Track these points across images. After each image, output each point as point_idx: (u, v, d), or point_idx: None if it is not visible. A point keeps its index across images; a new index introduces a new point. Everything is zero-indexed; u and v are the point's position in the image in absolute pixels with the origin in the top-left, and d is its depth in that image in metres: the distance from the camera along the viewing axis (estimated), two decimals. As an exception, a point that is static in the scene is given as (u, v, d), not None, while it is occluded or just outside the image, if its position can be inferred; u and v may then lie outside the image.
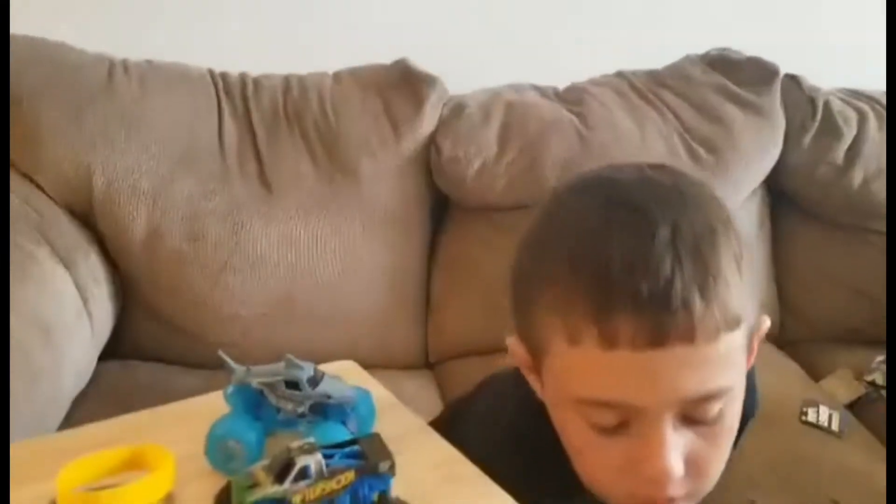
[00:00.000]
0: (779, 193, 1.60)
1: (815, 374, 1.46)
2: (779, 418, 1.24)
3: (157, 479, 0.44)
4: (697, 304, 0.52)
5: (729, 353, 0.55)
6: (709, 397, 0.56)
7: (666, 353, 0.53)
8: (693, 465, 0.57)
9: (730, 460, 1.09)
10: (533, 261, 0.60)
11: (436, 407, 1.26)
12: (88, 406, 1.21)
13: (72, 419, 1.15)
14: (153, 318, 1.39)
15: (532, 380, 0.64)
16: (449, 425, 0.71)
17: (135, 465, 0.46)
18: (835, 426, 1.24)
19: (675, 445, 0.56)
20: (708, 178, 1.46)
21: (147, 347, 1.40)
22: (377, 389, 0.69)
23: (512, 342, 0.64)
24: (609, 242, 0.55)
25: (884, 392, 1.39)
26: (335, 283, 1.41)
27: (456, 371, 1.45)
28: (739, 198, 1.52)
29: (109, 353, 1.34)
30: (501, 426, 0.69)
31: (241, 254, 1.37)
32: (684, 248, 0.53)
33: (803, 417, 1.25)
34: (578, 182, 0.63)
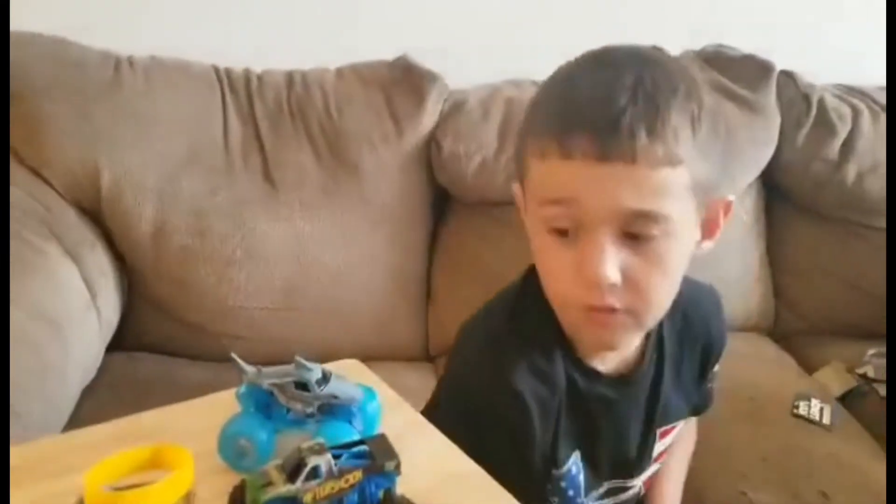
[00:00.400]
0: (774, 188, 1.63)
1: (809, 366, 1.49)
2: (771, 411, 1.27)
3: (178, 479, 0.46)
4: (642, 136, 0.63)
5: (668, 186, 0.65)
6: (644, 215, 0.65)
7: (610, 168, 0.64)
8: (631, 280, 0.67)
9: (721, 452, 1.15)
10: (527, 110, 0.72)
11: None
12: (97, 397, 1.24)
13: (81, 410, 1.18)
14: (159, 310, 1.42)
15: (524, 220, 0.76)
16: (458, 338, 0.81)
17: (156, 464, 0.49)
18: (826, 419, 1.27)
19: (612, 255, 0.66)
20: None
21: (153, 340, 1.42)
22: (381, 388, 0.71)
23: (515, 187, 0.76)
24: (578, 82, 0.68)
25: (875, 385, 1.42)
26: (338, 276, 1.44)
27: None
28: (735, 192, 1.54)
29: (116, 345, 1.37)
30: (501, 311, 0.79)
31: (246, 248, 1.39)
32: (642, 93, 0.64)
33: (795, 410, 1.28)
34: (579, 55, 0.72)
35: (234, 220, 1.40)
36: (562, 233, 0.68)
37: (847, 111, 1.61)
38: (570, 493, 0.80)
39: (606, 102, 0.64)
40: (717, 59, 1.62)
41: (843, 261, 1.63)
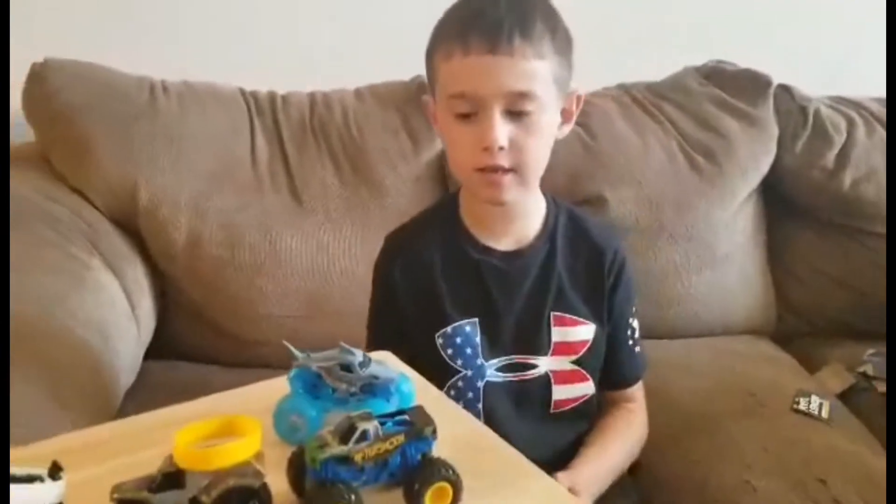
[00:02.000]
0: (774, 196, 1.70)
1: (810, 366, 1.55)
2: (772, 407, 1.33)
3: (250, 441, 0.55)
4: (517, 37, 0.88)
5: (537, 73, 0.90)
6: (522, 94, 0.90)
7: (497, 59, 0.88)
8: (514, 144, 0.91)
9: (724, 444, 1.23)
10: (431, 36, 0.95)
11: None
12: (137, 400, 1.31)
13: (124, 411, 1.26)
14: (193, 320, 1.51)
15: (434, 127, 1.02)
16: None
17: (230, 431, 0.57)
18: (825, 414, 1.33)
19: (501, 127, 0.90)
20: (707, 185, 1.59)
21: (187, 348, 1.51)
22: (409, 373, 0.80)
23: (425, 98, 1.03)
24: (470, 4, 0.93)
25: (874, 382, 1.48)
26: (360, 285, 1.50)
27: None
28: (736, 201, 1.62)
29: (153, 353, 1.45)
30: (421, 215, 1.12)
31: (274, 259, 1.48)
32: (517, 8, 0.90)
33: (795, 406, 1.34)
34: None
35: (262, 233, 1.48)
36: (464, 117, 0.92)
37: (842, 121, 1.68)
38: (468, 350, 1.02)
39: (493, 14, 0.89)
40: (717, 75, 1.71)
41: (843, 264, 1.69)
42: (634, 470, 1.15)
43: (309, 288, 1.49)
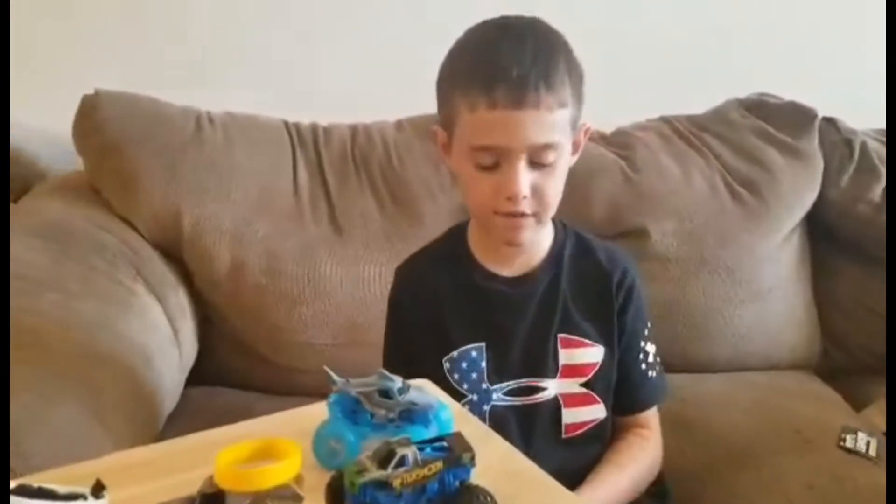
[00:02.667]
0: (819, 230, 1.67)
1: (857, 403, 1.51)
2: (818, 444, 1.30)
3: (290, 463, 0.55)
4: (543, 89, 0.89)
5: (559, 123, 0.92)
6: (546, 146, 0.92)
7: (522, 114, 0.89)
8: (536, 192, 0.94)
9: (768, 480, 1.20)
10: (450, 69, 0.96)
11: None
12: (178, 425, 1.33)
13: (166, 435, 1.28)
14: (234, 346, 1.52)
15: (445, 158, 1.03)
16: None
17: (269, 454, 0.58)
18: (872, 452, 1.29)
19: (525, 177, 0.92)
20: (750, 218, 1.57)
21: (228, 375, 1.52)
22: (449, 402, 0.80)
23: (436, 129, 1.02)
24: (494, 48, 0.91)
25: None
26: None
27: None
28: (780, 235, 1.60)
29: (194, 380, 1.47)
30: (430, 245, 1.14)
31: (314, 288, 1.49)
32: (540, 57, 0.90)
33: (842, 443, 1.30)
34: (478, 23, 0.97)
35: (302, 263, 1.50)
36: (487, 168, 0.93)
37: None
38: (474, 375, 1.03)
39: (520, 66, 0.88)
40: (760, 107, 1.69)
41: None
42: (665, 500, 1.13)
43: (348, 317, 1.49)
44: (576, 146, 1.01)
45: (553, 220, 1.06)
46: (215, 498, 0.54)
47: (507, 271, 1.05)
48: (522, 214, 0.95)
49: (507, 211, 0.95)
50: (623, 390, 1.07)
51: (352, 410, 0.70)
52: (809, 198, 1.62)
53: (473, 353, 1.03)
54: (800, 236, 1.66)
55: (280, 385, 1.48)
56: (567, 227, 1.10)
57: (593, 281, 1.06)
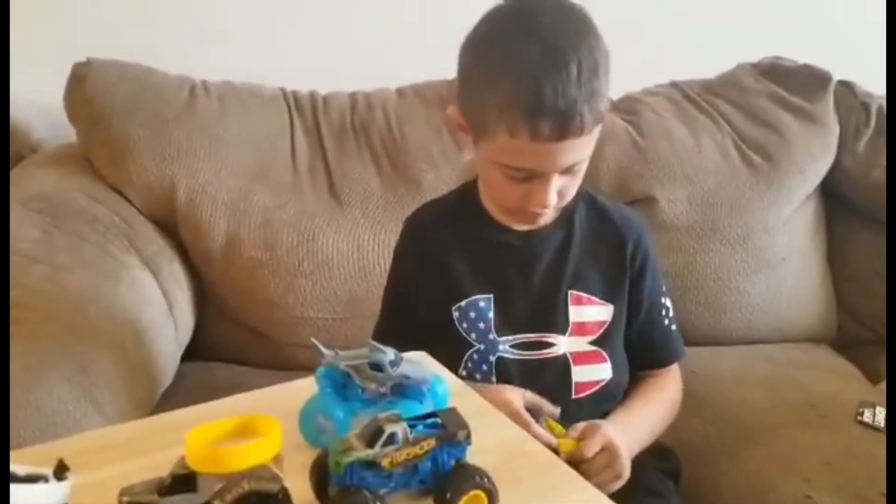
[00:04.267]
0: (834, 197, 1.62)
1: (874, 376, 1.47)
2: (835, 418, 1.26)
3: (268, 442, 0.51)
4: (587, 115, 0.86)
5: (594, 136, 0.91)
6: (580, 161, 0.92)
7: (566, 143, 0.87)
8: (562, 193, 0.94)
9: (784, 456, 1.16)
10: (485, 78, 0.91)
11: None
12: (173, 401, 1.29)
13: (160, 412, 1.24)
14: (230, 321, 1.48)
15: (461, 136, 1.07)
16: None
17: (247, 432, 0.53)
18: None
19: (555, 188, 0.92)
20: (763, 184, 1.51)
21: (224, 349, 1.48)
22: (446, 375, 0.75)
23: (453, 110, 1.00)
24: (541, 80, 0.85)
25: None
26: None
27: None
28: (794, 202, 1.55)
29: (190, 355, 1.43)
30: (440, 198, 1.15)
31: (312, 260, 1.45)
32: (583, 80, 0.86)
33: (859, 418, 1.26)
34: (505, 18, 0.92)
35: (300, 234, 1.45)
36: (516, 179, 0.92)
37: (906, 119, 1.59)
38: (481, 325, 1.01)
39: (564, 97, 0.85)
40: (774, 72, 1.63)
41: (907, 269, 1.60)
42: (677, 478, 1.09)
43: (347, 289, 1.45)
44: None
45: None
46: (186, 480, 0.50)
47: (518, 226, 1.03)
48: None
49: (533, 213, 0.96)
50: (650, 346, 1.08)
51: (341, 385, 0.66)
52: (824, 164, 1.57)
53: (481, 304, 1.02)
54: (814, 204, 1.60)
55: (279, 361, 1.45)
56: (580, 187, 1.04)
57: (606, 242, 1.05)
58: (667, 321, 1.09)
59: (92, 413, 1.03)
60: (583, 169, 0.95)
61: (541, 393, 0.99)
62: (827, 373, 1.44)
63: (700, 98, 1.61)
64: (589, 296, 1.03)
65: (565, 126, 0.86)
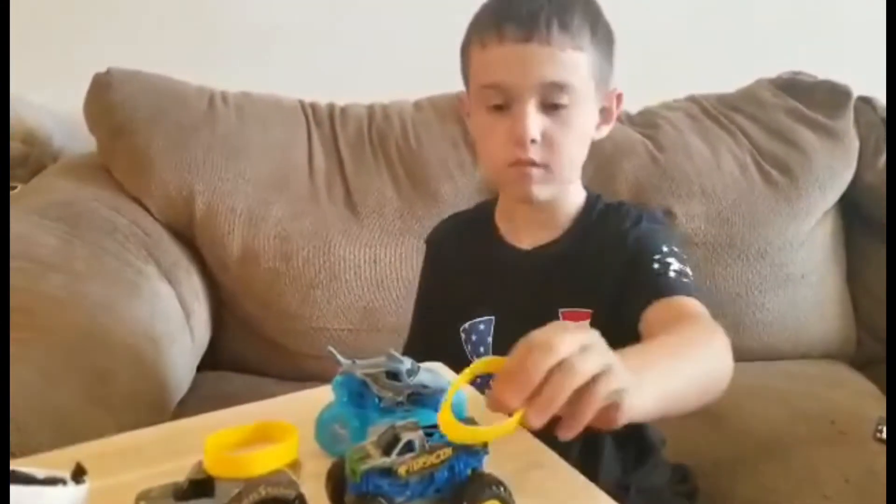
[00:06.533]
0: (854, 213, 1.61)
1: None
2: (855, 435, 1.24)
3: (285, 448, 0.51)
4: (555, 26, 0.86)
5: (573, 64, 0.87)
6: (557, 85, 0.87)
7: (531, 48, 0.86)
8: (547, 139, 0.88)
9: (802, 473, 1.11)
10: (470, 24, 0.93)
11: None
12: (189, 410, 1.29)
13: (175, 420, 1.24)
14: (247, 331, 1.49)
15: (468, 123, 1.01)
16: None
17: (264, 437, 0.53)
18: (911, 444, 1.23)
19: (534, 120, 0.87)
20: (782, 200, 1.50)
21: (241, 360, 1.49)
22: (463, 385, 0.75)
23: (461, 95, 0.99)
24: None
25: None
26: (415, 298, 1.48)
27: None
28: (813, 218, 1.54)
29: (206, 364, 1.44)
30: (459, 213, 1.15)
31: (329, 272, 1.45)
32: (556, 1, 0.87)
33: (878, 434, 1.24)
34: None
35: (317, 245, 1.46)
36: (497, 108, 0.89)
37: (927, 135, 1.58)
38: (481, 349, 0.99)
39: (530, 2, 0.87)
40: (794, 87, 1.63)
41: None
42: (694, 496, 1.07)
43: (363, 301, 1.46)
44: (606, 115, 0.96)
45: (586, 189, 1.00)
46: (204, 485, 0.49)
47: (525, 243, 1.00)
48: (532, 163, 0.89)
49: (516, 158, 0.90)
50: (634, 293, 0.88)
51: (358, 393, 0.66)
52: (844, 179, 1.56)
53: (482, 326, 1.00)
54: (833, 220, 1.59)
55: (294, 371, 1.45)
56: (598, 198, 1.01)
57: (609, 250, 0.94)
58: (657, 265, 0.89)
59: (107, 420, 1.03)
60: (574, 121, 0.89)
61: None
62: (845, 389, 1.42)
63: (718, 113, 1.61)
64: (582, 310, 0.93)
65: (530, 27, 0.86)
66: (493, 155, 0.93)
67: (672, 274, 0.88)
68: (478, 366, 0.59)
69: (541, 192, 0.93)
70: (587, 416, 0.54)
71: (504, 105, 0.89)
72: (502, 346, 0.93)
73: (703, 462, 1.13)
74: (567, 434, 0.55)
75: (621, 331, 0.76)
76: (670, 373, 0.68)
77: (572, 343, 0.54)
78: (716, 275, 1.49)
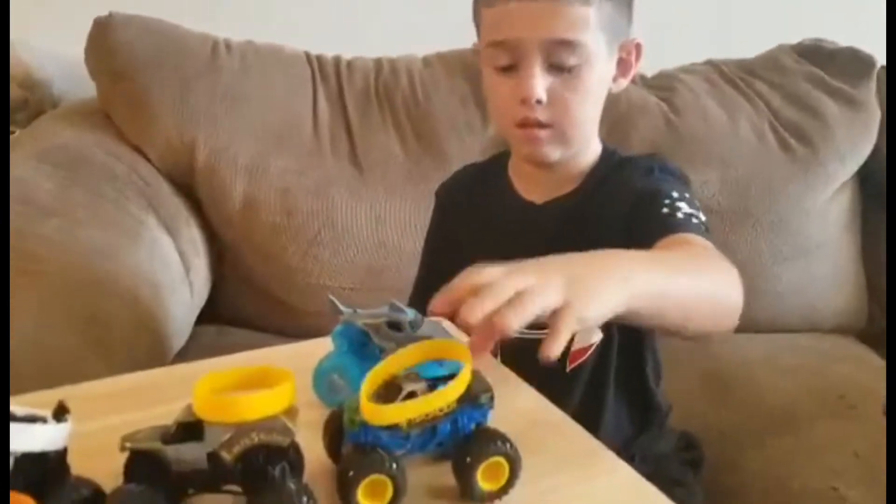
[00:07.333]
0: (873, 185, 1.57)
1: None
2: (864, 410, 1.21)
3: (281, 393, 0.47)
4: None
5: (581, 19, 0.83)
6: (565, 44, 0.83)
7: (538, 3, 0.82)
8: (555, 100, 0.85)
9: (811, 447, 1.08)
10: None
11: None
12: (186, 361, 1.28)
13: (172, 374, 1.23)
14: (247, 286, 1.46)
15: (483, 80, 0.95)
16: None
17: (259, 383, 0.50)
18: (923, 420, 1.21)
19: (540, 79, 0.84)
20: (799, 169, 1.46)
21: (241, 315, 1.46)
22: (467, 340, 0.72)
23: (476, 47, 0.94)
24: None
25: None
26: (418, 259, 1.45)
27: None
28: (831, 188, 1.50)
29: (205, 318, 1.41)
30: (470, 165, 1.12)
31: (331, 228, 1.42)
32: None
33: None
34: None
35: (319, 200, 1.42)
36: (505, 69, 0.87)
37: (952, 107, 1.54)
38: None
39: None
40: (816, 53, 1.58)
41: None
42: (700, 464, 1.05)
43: (365, 259, 1.42)
44: (624, 66, 0.91)
45: (603, 143, 0.97)
46: (192, 428, 0.47)
47: (536, 196, 0.97)
48: (539, 124, 0.87)
49: (523, 118, 0.87)
50: (639, 232, 0.84)
51: (358, 344, 0.63)
52: (864, 150, 1.52)
53: None
54: (851, 191, 1.55)
55: (294, 328, 1.41)
56: (616, 152, 0.97)
57: (620, 201, 0.89)
58: (665, 210, 0.84)
59: (101, 366, 1.00)
60: (584, 80, 0.85)
61: (539, 370, 0.90)
62: (856, 364, 1.39)
63: (737, 78, 1.57)
64: None
65: None
66: (502, 114, 0.91)
67: (680, 215, 0.85)
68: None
69: (551, 153, 0.90)
70: (514, 324, 0.55)
71: (511, 65, 0.86)
72: None
73: (710, 432, 1.11)
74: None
75: None
76: (664, 273, 0.69)
77: (502, 270, 0.59)
78: (728, 243, 1.45)
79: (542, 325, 0.90)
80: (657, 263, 0.71)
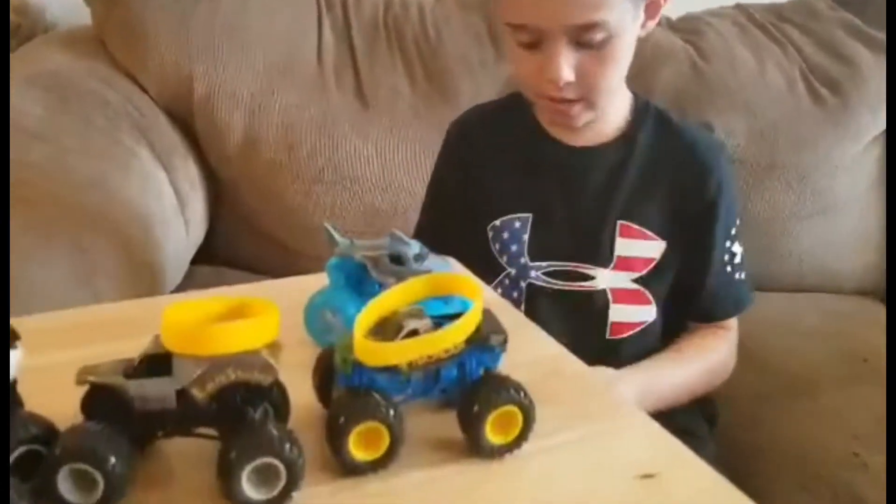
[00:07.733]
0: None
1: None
2: (885, 375, 1.16)
3: (262, 323, 0.41)
4: None
5: (606, 5, 0.79)
6: (590, 26, 0.79)
7: None
8: (582, 75, 0.82)
9: (834, 412, 1.05)
10: None
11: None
12: (179, 304, 1.23)
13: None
14: (245, 227, 1.40)
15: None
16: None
17: (239, 315, 0.44)
18: (950, 386, 1.15)
19: (567, 58, 0.81)
20: (830, 120, 1.39)
21: (238, 256, 1.40)
22: (478, 283, 0.66)
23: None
24: None
25: None
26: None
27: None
28: (862, 142, 1.42)
29: (201, 258, 1.35)
30: (491, 101, 1.07)
31: (334, 166, 1.35)
32: None
33: (915, 375, 1.16)
34: None
35: (322, 137, 1.35)
36: (529, 45, 0.83)
37: None
38: (514, 247, 0.92)
39: None
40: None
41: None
42: (713, 422, 1.01)
43: (369, 201, 1.36)
44: (652, 8, 0.86)
45: (633, 92, 0.94)
46: (159, 361, 0.41)
47: (570, 140, 0.93)
48: (568, 100, 0.85)
49: (551, 95, 0.85)
50: (703, 296, 0.95)
51: (356, 278, 0.57)
52: (899, 103, 1.43)
53: (517, 224, 0.92)
54: (881, 147, 1.47)
55: (293, 270, 1.32)
56: (650, 104, 0.96)
57: (674, 167, 0.93)
58: (729, 269, 0.96)
59: (88, 300, 0.96)
60: (613, 51, 0.83)
61: (572, 329, 0.88)
62: (880, 327, 1.33)
63: (767, 23, 1.48)
64: (641, 228, 0.92)
65: None
66: (528, 84, 0.88)
67: (737, 278, 0.96)
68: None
69: (579, 121, 0.89)
70: None
71: (535, 43, 0.82)
72: (538, 246, 0.90)
73: (726, 393, 1.04)
74: None
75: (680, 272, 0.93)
76: (678, 392, 0.92)
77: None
78: (752, 197, 1.39)
79: (575, 278, 0.88)
80: (673, 392, 0.91)
